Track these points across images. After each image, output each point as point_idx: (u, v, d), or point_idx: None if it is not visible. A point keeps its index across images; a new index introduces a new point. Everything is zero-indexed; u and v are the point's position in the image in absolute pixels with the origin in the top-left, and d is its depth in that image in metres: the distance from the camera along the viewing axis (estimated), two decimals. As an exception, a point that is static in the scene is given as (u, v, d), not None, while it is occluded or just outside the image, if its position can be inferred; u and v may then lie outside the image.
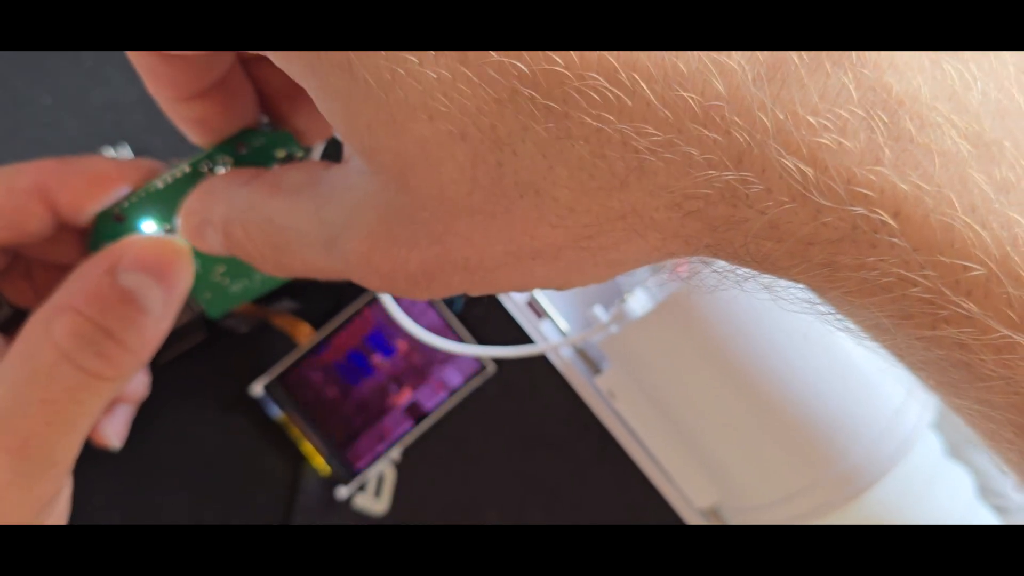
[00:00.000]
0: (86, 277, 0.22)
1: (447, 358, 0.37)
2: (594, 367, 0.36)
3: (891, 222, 0.12)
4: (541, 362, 0.36)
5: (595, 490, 0.38)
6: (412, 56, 0.13)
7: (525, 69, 0.13)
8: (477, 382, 0.37)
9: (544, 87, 0.13)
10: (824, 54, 0.13)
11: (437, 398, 0.37)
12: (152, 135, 0.36)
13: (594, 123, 0.13)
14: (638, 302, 0.32)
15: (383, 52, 0.14)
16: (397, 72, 0.14)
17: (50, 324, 0.22)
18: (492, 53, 0.13)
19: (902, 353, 0.14)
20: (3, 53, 0.35)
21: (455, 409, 0.37)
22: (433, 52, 0.13)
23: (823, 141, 0.12)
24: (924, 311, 0.13)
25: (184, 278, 0.23)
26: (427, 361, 0.37)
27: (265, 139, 0.23)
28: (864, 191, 0.12)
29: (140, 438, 0.33)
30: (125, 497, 0.36)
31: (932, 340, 0.13)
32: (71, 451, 0.22)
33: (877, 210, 0.12)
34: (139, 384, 0.29)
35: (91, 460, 0.28)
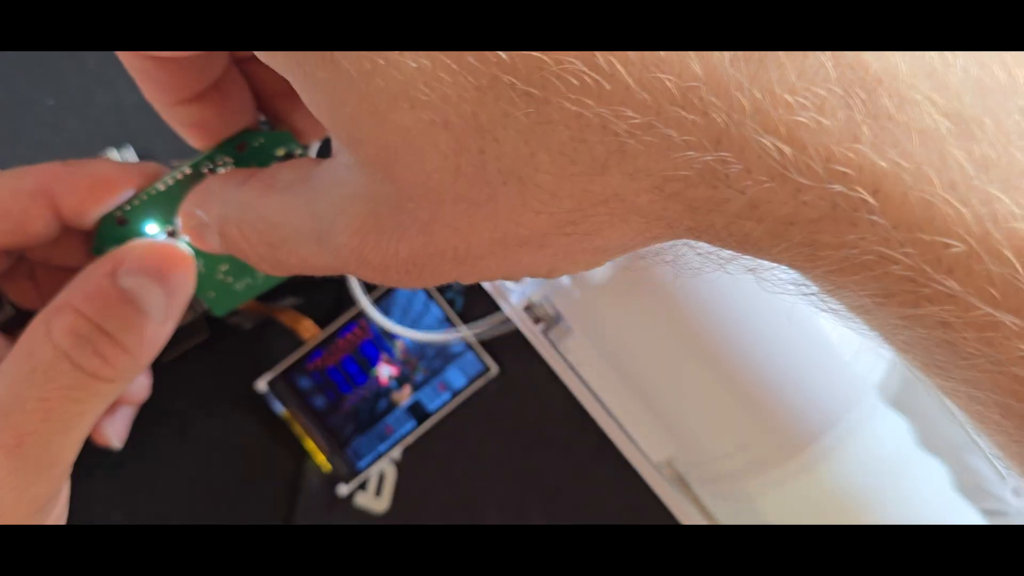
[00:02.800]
0: (88, 279, 0.22)
1: (451, 359, 0.37)
2: (556, 330, 0.36)
3: (870, 200, 0.12)
4: (542, 364, 0.36)
5: (594, 489, 0.38)
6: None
7: (504, 56, 0.13)
8: (480, 383, 0.37)
9: (523, 73, 0.13)
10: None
11: (440, 399, 0.37)
12: (155, 137, 0.36)
13: (573, 108, 0.13)
14: (599, 268, 0.33)
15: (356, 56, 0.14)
16: (377, 62, 0.14)
17: (49, 323, 0.22)
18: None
19: (887, 334, 0.14)
20: (6, 55, 0.35)
21: (455, 409, 0.37)
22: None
23: (801, 119, 0.12)
24: (905, 289, 0.13)
25: (186, 282, 0.23)
26: (431, 361, 0.37)
27: (265, 139, 0.23)
28: (842, 169, 0.12)
29: (144, 432, 0.33)
30: (127, 493, 0.36)
31: (914, 319, 0.13)
32: (69, 452, 0.22)
33: (856, 188, 0.12)
34: (140, 386, 0.29)
35: (94, 456, 0.28)
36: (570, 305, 0.33)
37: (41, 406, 0.21)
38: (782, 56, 0.13)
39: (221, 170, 0.24)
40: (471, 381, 0.37)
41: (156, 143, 0.36)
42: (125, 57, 0.20)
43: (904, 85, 0.12)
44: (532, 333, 0.34)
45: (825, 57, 0.13)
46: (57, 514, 0.24)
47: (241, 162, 0.23)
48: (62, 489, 0.24)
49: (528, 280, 0.34)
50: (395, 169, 0.15)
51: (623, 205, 0.14)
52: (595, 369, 0.34)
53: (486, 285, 0.34)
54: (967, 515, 0.32)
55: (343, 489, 0.36)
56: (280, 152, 0.24)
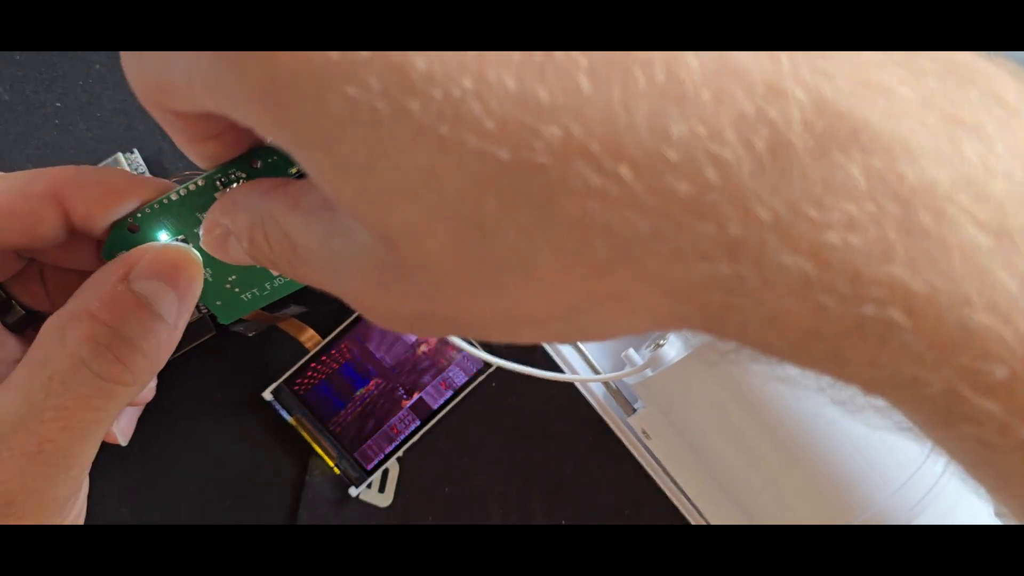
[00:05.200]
0: (101, 284, 0.22)
1: (451, 358, 0.37)
2: (627, 406, 0.36)
3: (903, 321, 0.12)
4: (543, 361, 0.36)
5: (594, 484, 0.38)
6: (389, 143, 0.13)
7: (507, 158, 0.12)
8: (480, 378, 0.37)
9: (525, 175, 0.12)
10: (833, 139, 0.12)
11: (443, 397, 0.37)
12: (162, 139, 0.36)
13: (577, 212, 0.12)
14: (672, 348, 0.32)
15: (361, 137, 0.13)
16: (375, 157, 0.13)
17: (65, 331, 0.22)
18: (471, 138, 0.12)
19: (922, 431, 0.14)
20: (13, 57, 0.36)
21: (455, 405, 0.38)
22: (410, 138, 0.13)
23: (827, 237, 0.12)
24: (940, 409, 0.12)
25: (196, 285, 0.24)
26: (432, 361, 0.37)
27: (278, 156, 0.23)
28: (872, 290, 0.12)
29: (153, 432, 0.34)
30: (135, 489, 0.36)
31: (950, 436, 0.13)
32: (87, 455, 0.23)
33: (887, 309, 0.12)
34: (147, 387, 0.29)
35: (104, 453, 0.28)
36: (643, 384, 0.33)
37: (60, 415, 0.21)
38: (808, 166, 0.12)
39: (234, 184, 0.24)
40: (472, 378, 0.37)
41: (163, 146, 0.36)
42: (148, 107, 0.20)
43: (942, 198, 0.11)
44: (598, 401, 0.34)
45: (855, 168, 0.12)
46: (76, 512, 0.24)
47: (254, 176, 0.24)
48: (81, 488, 0.24)
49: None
50: (397, 247, 0.15)
51: (630, 304, 0.13)
52: (668, 446, 0.34)
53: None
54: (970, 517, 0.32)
55: (353, 492, 0.37)
56: (293, 170, 0.24)
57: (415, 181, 0.13)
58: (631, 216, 0.12)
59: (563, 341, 0.16)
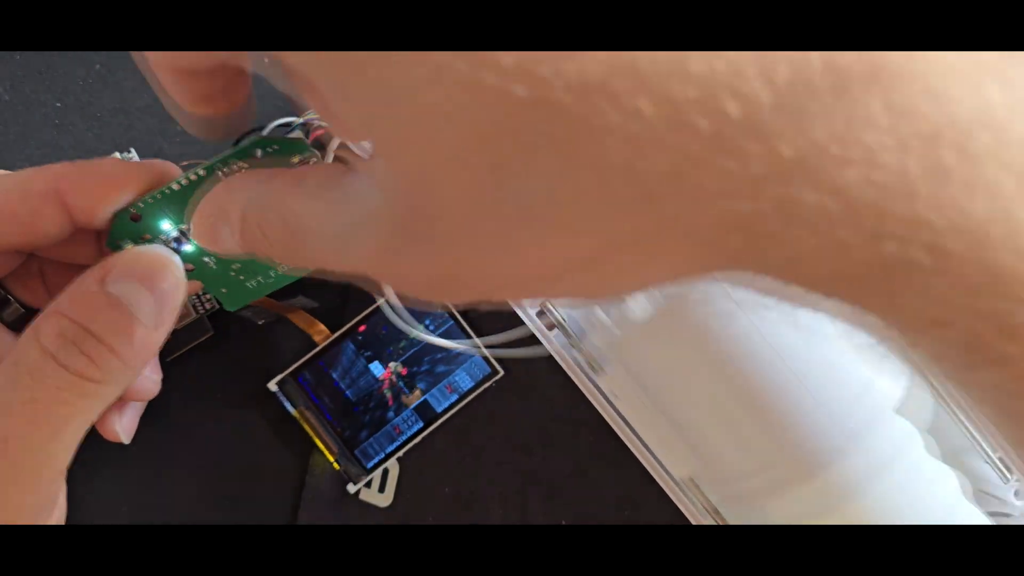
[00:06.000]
0: (77, 286, 0.22)
1: (458, 361, 0.37)
2: (595, 366, 0.36)
3: (925, 260, 0.11)
4: (545, 363, 0.36)
5: (594, 486, 0.38)
6: (407, 82, 0.13)
7: (526, 96, 0.12)
8: (486, 384, 0.37)
9: (545, 115, 0.12)
10: (854, 76, 0.11)
11: (447, 400, 0.37)
12: (160, 139, 0.36)
13: (597, 151, 0.12)
14: (638, 305, 0.33)
15: (377, 77, 0.13)
16: (391, 98, 0.13)
17: (37, 328, 0.22)
18: (489, 76, 0.12)
19: (945, 379, 0.13)
20: (13, 56, 0.36)
21: (459, 407, 0.38)
22: (428, 76, 0.12)
23: (849, 174, 0.11)
24: (961, 352, 0.12)
25: (172, 286, 0.23)
26: (438, 362, 0.37)
27: (280, 145, 0.23)
28: (895, 227, 0.11)
29: (153, 427, 0.34)
30: (135, 487, 0.36)
31: (970, 380, 0.12)
32: (58, 458, 0.22)
33: (910, 248, 0.11)
34: (149, 382, 0.29)
35: (103, 450, 0.28)
36: (607, 338, 0.34)
37: (27, 409, 0.21)
38: (829, 102, 0.11)
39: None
40: (478, 383, 0.37)
41: (161, 146, 0.36)
42: (158, 68, 0.19)
43: (964, 136, 0.11)
44: (546, 339, 0.34)
45: (877, 105, 0.11)
46: (54, 521, 0.24)
47: (256, 167, 0.24)
48: (56, 498, 0.24)
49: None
50: (414, 198, 0.14)
51: (649, 249, 0.13)
52: (631, 400, 0.34)
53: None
54: (972, 518, 0.32)
55: (351, 488, 0.36)
56: (295, 159, 0.24)
57: (432, 121, 0.13)
58: (651, 154, 0.12)
59: (581, 297, 0.15)
